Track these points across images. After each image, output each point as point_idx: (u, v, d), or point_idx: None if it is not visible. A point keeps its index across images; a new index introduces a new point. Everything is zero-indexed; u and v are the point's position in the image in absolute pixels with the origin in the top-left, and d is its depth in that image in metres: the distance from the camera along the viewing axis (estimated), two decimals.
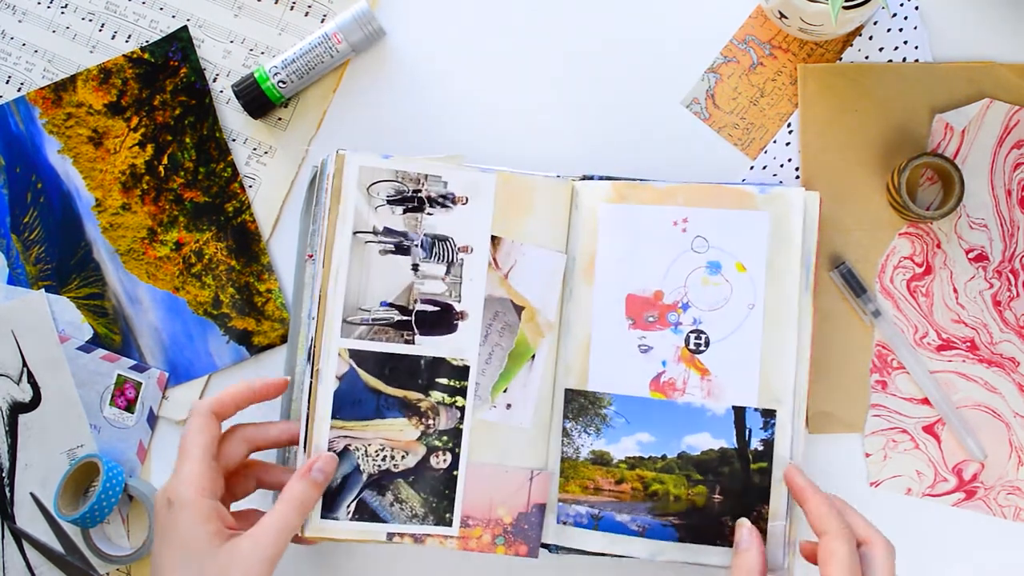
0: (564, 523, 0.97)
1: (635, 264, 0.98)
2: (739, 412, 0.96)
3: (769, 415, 0.95)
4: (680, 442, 0.96)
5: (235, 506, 0.96)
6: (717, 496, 0.96)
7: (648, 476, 0.97)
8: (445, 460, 0.96)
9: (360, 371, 0.95)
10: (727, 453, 0.96)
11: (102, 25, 1.05)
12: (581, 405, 0.97)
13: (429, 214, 0.96)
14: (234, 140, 1.05)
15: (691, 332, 0.97)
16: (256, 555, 0.85)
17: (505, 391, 0.97)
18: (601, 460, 0.97)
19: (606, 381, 0.97)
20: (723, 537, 0.95)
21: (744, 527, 0.94)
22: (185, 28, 1.05)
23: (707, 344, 0.97)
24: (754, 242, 0.96)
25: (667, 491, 0.96)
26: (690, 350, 0.97)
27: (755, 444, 0.95)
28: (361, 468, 0.95)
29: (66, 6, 1.05)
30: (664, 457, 0.97)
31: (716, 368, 0.96)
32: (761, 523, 0.95)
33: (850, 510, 0.91)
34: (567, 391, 0.98)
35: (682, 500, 0.96)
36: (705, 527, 0.96)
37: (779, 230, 0.96)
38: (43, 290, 1.04)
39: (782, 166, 1.02)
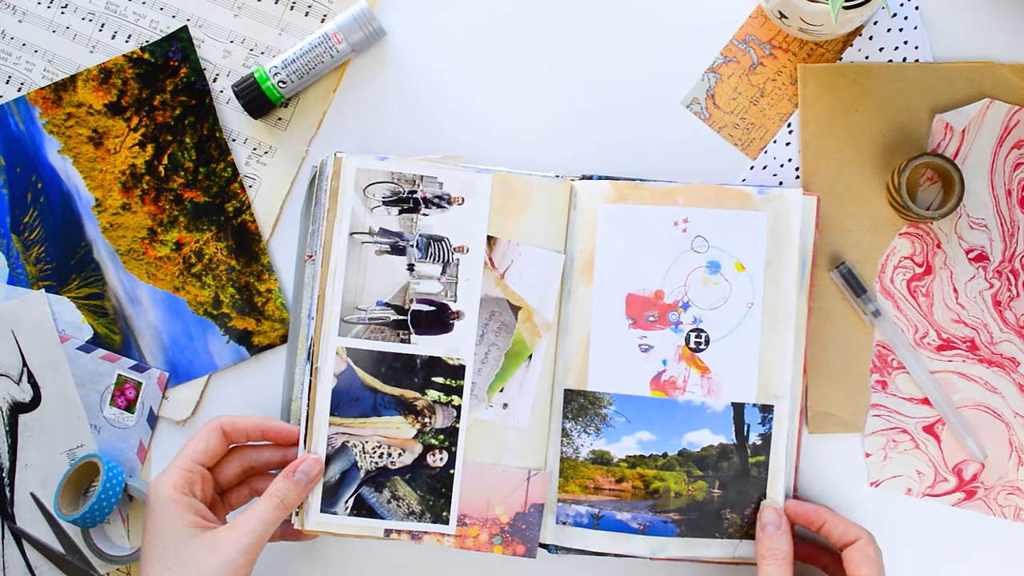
0: (564, 523, 0.97)
1: (635, 264, 0.98)
2: (738, 408, 0.97)
3: (767, 410, 0.96)
4: (681, 439, 0.97)
5: (231, 515, 0.99)
6: (716, 490, 0.97)
7: (649, 474, 0.97)
8: (442, 458, 0.96)
9: (357, 369, 0.96)
10: (726, 448, 0.97)
11: (102, 25, 1.05)
12: (581, 405, 0.97)
13: (425, 215, 0.97)
14: (234, 140, 1.05)
15: (691, 331, 0.97)
16: (234, 545, 0.87)
17: (502, 391, 0.97)
18: (601, 459, 0.97)
19: (606, 381, 0.98)
20: (722, 530, 0.97)
21: (771, 508, 0.95)
22: (185, 28, 1.05)
23: (707, 343, 0.97)
24: (753, 242, 0.97)
25: (668, 488, 0.97)
26: (690, 349, 0.97)
27: (753, 439, 0.97)
28: (359, 464, 0.96)
29: (66, 6, 1.06)
30: (665, 455, 0.97)
31: (716, 366, 0.97)
32: (755, 514, 0.96)
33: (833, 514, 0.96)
34: (566, 391, 0.98)
35: (683, 496, 0.97)
36: (705, 521, 0.97)
37: (777, 230, 0.97)
38: (43, 290, 1.05)
39: (782, 166, 1.02)
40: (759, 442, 0.96)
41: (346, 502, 0.96)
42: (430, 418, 0.96)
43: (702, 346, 0.97)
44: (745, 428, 0.96)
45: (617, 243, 0.98)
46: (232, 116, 1.05)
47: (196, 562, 0.86)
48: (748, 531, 0.96)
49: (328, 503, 0.96)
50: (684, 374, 0.97)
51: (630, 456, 0.97)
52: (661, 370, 0.98)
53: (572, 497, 0.97)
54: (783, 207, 0.97)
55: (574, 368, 0.98)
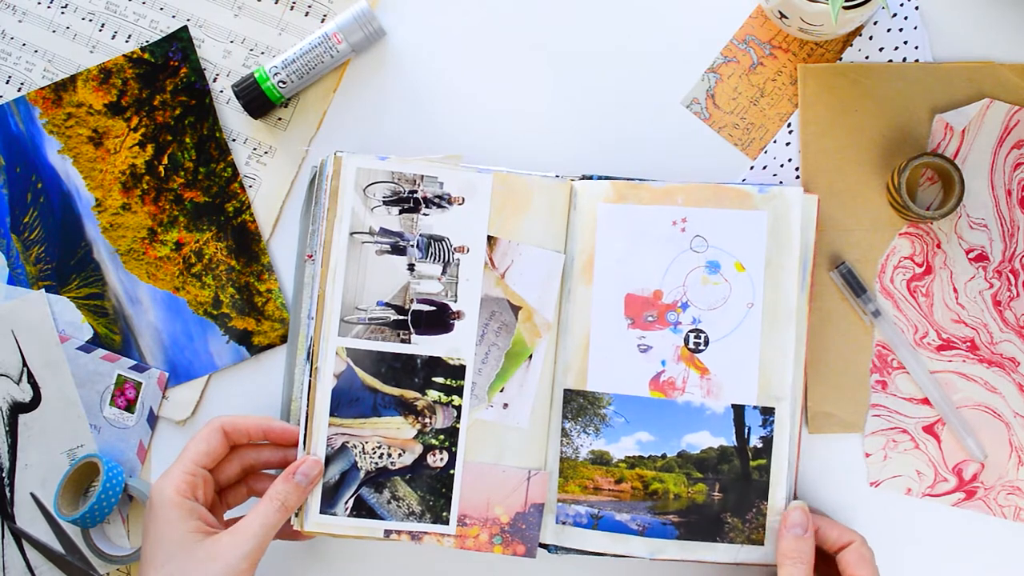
0: (563, 523, 0.97)
1: (634, 264, 0.98)
2: (738, 410, 0.96)
3: (768, 413, 0.96)
4: (680, 441, 0.97)
5: (228, 514, 0.99)
6: (717, 493, 0.96)
7: (648, 475, 0.97)
8: (442, 459, 0.96)
9: (357, 369, 0.95)
10: (727, 451, 0.96)
11: (102, 25, 1.05)
12: (580, 405, 0.97)
13: (425, 214, 0.97)
14: (234, 140, 1.05)
15: (690, 331, 0.97)
16: (236, 551, 0.87)
17: (502, 391, 0.97)
18: (601, 460, 0.97)
19: (605, 381, 0.97)
20: (723, 534, 0.96)
21: (798, 510, 0.94)
22: (185, 28, 1.05)
23: (706, 343, 0.97)
24: (753, 241, 0.96)
25: (667, 490, 0.96)
26: (689, 349, 0.97)
27: (754, 441, 0.96)
28: (359, 465, 0.96)
29: (66, 6, 1.06)
30: (664, 456, 0.97)
31: (715, 367, 0.97)
32: (760, 518, 0.95)
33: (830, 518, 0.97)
34: (566, 391, 0.98)
35: (682, 498, 0.96)
36: (705, 524, 0.96)
37: (777, 229, 0.96)
38: (43, 290, 1.05)
39: (782, 166, 1.02)
40: (760, 445, 0.96)
41: (346, 503, 0.95)
42: (430, 418, 0.96)
43: (701, 347, 0.97)
44: (746, 431, 0.96)
45: (616, 243, 0.98)
46: (232, 116, 1.05)
47: (199, 569, 0.86)
48: (751, 535, 0.95)
49: (328, 504, 0.95)
50: (683, 375, 0.97)
51: (629, 457, 0.97)
52: (660, 370, 0.97)
53: (572, 497, 0.97)
54: (783, 206, 0.96)
55: (574, 368, 0.98)
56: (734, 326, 0.97)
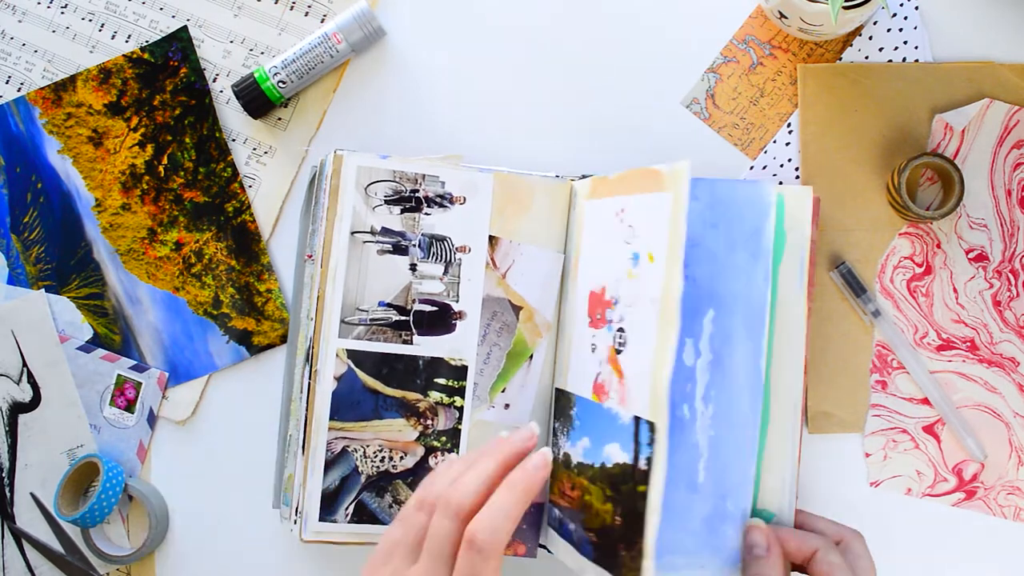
0: (550, 525, 0.95)
1: (593, 260, 0.92)
2: (637, 423, 0.80)
3: (653, 429, 0.78)
4: (602, 451, 0.84)
5: None
6: (618, 518, 0.80)
7: (584, 484, 0.87)
8: (444, 460, 0.96)
9: (358, 371, 0.95)
10: (626, 469, 0.80)
11: (102, 25, 1.05)
12: (562, 406, 0.95)
13: (427, 214, 0.96)
14: (234, 140, 1.05)
15: (617, 330, 0.85)
16: None
17: (503, 391, 0.97)
18: (567, 463, 0.91)
19: (572, 381, 0.92)
20: (617, 569, 0.80)
21: (756, 529, 0.84)
22: (185, 28, 1.05)
23: (625, 343, 0.83)
24: (659, 228, 0.81)
25: (592, 503, 0.85)
26: (616, 350, 0.85)
27: (642, 463, 0.78)
28: (360, 470, 0.95)
29: (66, 6, 1.05)
30: (593, 466, 0.86)
31: (628, 371, 0.82)
32: (639, 561, 0.77)
33: (815, 516, 0.87)
34: (556, 391, 0.97)
35: (599, 516, 0.83)
36: (608, 551, 0.82)
37: (677, 213, 0.79)
38: (43, 290, 1.05)
39: (782, 166, 1.02)
40: (645, 468, 0.78)
41: (346, 509, 0.94)
42: (432, 420, 0.96)
43: (622, 347, 0.83)
44: (637, 448, 0.79)
45: (587, 239, 0.95)
46: (232, 116, 1.05)
47: None
48: None
49: (327, 511, 0.94)
50: (609, 378, 0.85)
51: (579, 463, 0.88)
52: (598, 372, 0.87)
53: (555, 499, 0.94)
54: (679, 184, 0.79)
55: (563, 368, 0.97)
56: (642, 324, 0.81)
